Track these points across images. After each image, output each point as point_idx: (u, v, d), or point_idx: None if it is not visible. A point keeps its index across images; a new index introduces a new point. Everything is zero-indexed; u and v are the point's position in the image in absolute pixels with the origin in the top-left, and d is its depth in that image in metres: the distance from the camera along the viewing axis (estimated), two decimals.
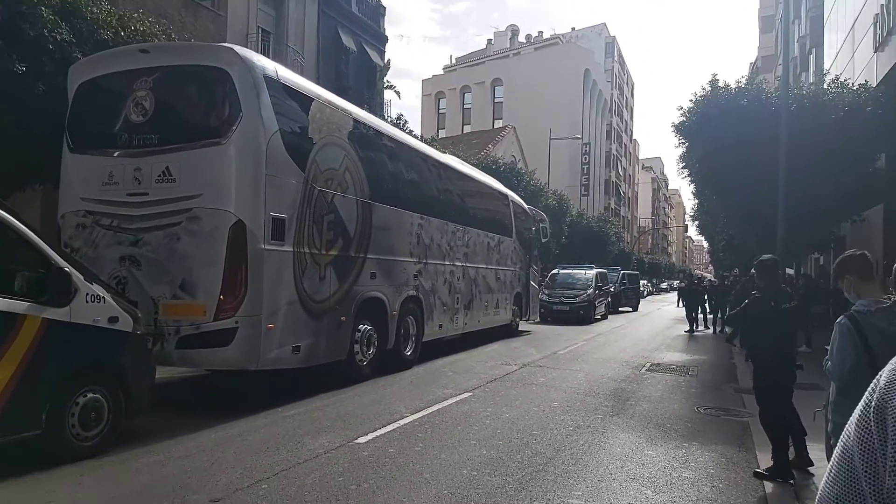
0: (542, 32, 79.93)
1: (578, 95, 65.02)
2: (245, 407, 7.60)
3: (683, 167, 18.82)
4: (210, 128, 7.69)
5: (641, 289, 43.26)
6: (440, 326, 12.92)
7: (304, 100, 8.62)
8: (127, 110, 7.78)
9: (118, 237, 7.60)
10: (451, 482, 5.17)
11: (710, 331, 22.04)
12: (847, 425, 0.83)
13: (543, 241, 21.90)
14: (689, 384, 10.72)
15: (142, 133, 7.68)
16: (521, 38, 79.81)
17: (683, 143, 17.38)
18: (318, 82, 11.01)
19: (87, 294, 5.53)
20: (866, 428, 0.78)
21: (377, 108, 25.73)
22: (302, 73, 11.25)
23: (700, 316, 22.82)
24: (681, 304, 27.65)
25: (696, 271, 59.76)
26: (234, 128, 7.44)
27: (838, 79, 16.48)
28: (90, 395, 5.57)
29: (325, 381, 9.02)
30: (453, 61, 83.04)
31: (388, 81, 28.69)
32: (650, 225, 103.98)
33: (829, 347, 3.67)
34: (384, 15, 30.03)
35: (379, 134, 10.86)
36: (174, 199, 7.39)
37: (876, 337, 3.40)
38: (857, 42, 17.89)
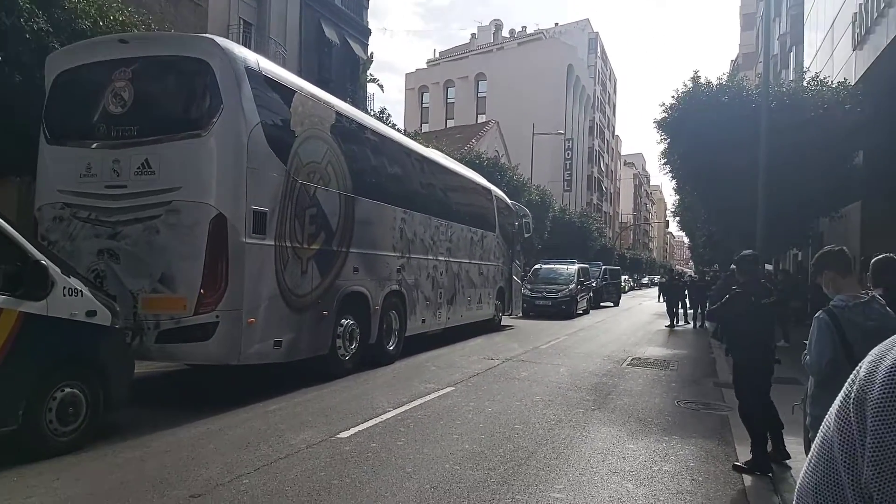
0: (525, 27, 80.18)
1: (561, 91, 65.21)
2: (226, 402, 7.54)
3: (665, 163, 18.97)
4: (190, 119, 7.60)
5: (623, 284, 43.61)
6: (423, 321, 12.92)
7: (286, 92, 8.55)
8: (105, 101, 7.66)
9: (96, 230, 7.49)
10: (434, 476, 5.17)
11: (690, 326, 22.27)
12: (827, 416, 0.84)
13: (526, 236, 21.96)
14: (669, 378, 10.82)
15: (120, 124, 7.57)
16: (505, 32, 79.90)
17: (665, 140, 17.50)
18: (300, 75, 10.92)
19: (65, 287, 5.45)
20: (846, 419, 0.79)
21: (360, 101, 25.60)
22: (284, 66, 11.15)
23: (680, 311, 23.04)
24: (661, 299, 27.91)
25: (677, 267, 60.22)
26: (214, 120, 7.36)
27: (818, 76, 16.67)
28: (67, 389, 5.49)
29: (307, 376, 8.98)
30: (437, 55, 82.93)
31: (371, 75, 28.53)
32: (632, 221, 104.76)
33: (807, 342, 3.71)
34: (367, 8, 29.88)
35: (362, 127, 10.80)
36: (153, 191, 7.30)
37: (853, 332, 3.44)
38: (836, 40, 18.10)
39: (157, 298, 7.21)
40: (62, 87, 8.00)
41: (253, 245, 7.56)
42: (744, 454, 5.91)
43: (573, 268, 26.10)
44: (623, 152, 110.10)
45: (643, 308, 33.17)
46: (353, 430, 6.52)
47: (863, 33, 14.37)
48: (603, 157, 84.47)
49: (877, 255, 4.48)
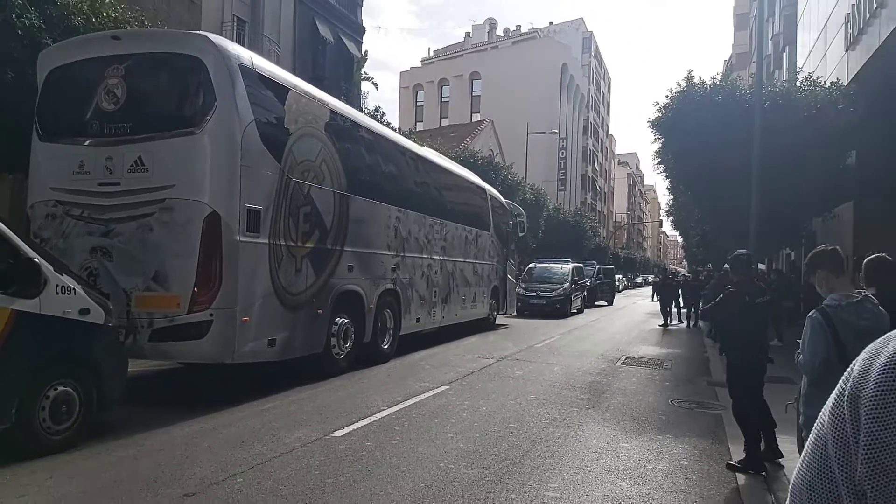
0: (519, 26, 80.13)
1: (556, 90, 65.24)
2: (220, 400, 7.52)
3: (659, 163, 19.01)
4: (183, 117, 7.58)
5: (617, 283, 43.71)
6: (417, 320, 12.91)
7: (281, 90, 8.52)
8: (98, 98, 7.63)
9: (89, 227, 7.46)
10: (429, 475, 5.17)
11: (684, 325, 22.33)
12: (821, 413, 0.84)
13: (521, 235, 21.98)
14: (663, 377, 10.85)
15: (113, 122, 7.53)
16: (499, 31, 79.85)
17: (659, 139, 17.53)
18: (294, 73, 10.89)
19: (58, 285, 5.43)
20: (840, 416, 0.79)
21: (354, 99, 25.58)
22: (278, 63, 11.12)
23: (674, 310, 23.10)
24: (655, 298, 27.98)
25: (671, 266, 60.46)
26: (208, 117, 7.34)
27: (811, 77, 16.73)
28: (61, 388, 5.47)
29: (302, 375, 8.96)
30: (431, 54, 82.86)
31: (365, 73, 28.52)
32: (626, 220, 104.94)
33: (800, 341, 3.73)
34: (362, 6, 29.86)
35: (356, 125, 10.78)
36: (147, 189, 7.27)
37: (846, 331, 3.46)
38: (829, 41, 18.16)
39: (151, 297, 7.18)
40: (55, 83, 7.95)
41: (247, 243, 7.53)
42: (737, 453, 5.93)
43: (567, 267, 26.14)
44: (617, 152, 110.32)
45: (637, 307, 33.24)
46: (347, 429, 6.51)
47: (855, 34, 14.43)
48: (597, 156, 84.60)
49: (869, 255, 4.50)
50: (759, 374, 5.86)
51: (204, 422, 6.61)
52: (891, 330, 0.83)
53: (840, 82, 15.76)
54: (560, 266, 26.38)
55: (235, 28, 21.64)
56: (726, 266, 13.05)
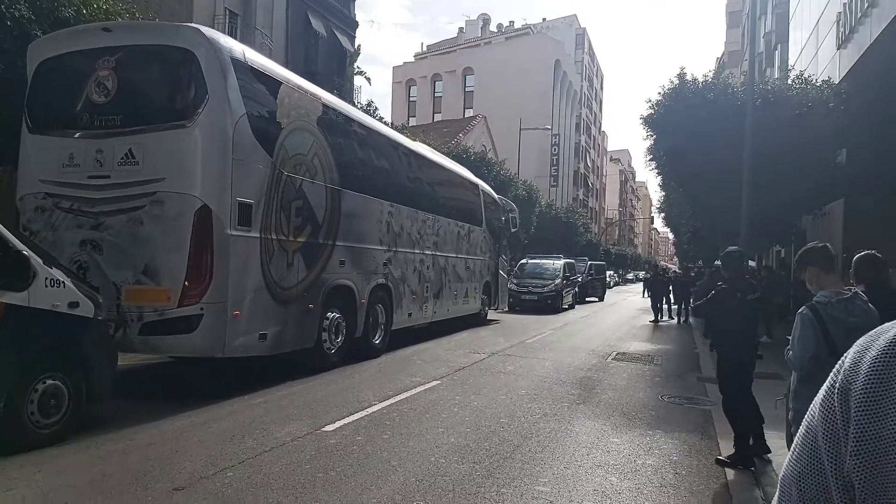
0: (513, 22, 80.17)
1: (549, 86, 65.26)
2: (210, 395, 7.50)
3: (651, 159, 19.04)
4: (175, 110, 7.53)
5: (608, 279, 43.79)
6: (409, 315, 12.91)
7: (273, 83, 8.48)
8: (89, 90, 7.57)
9: (79, 220, 7.41)
10: (419, 470, 5.17)
11: (675, 321, 22.44)
12: (811, 405, 0.84)
13: (513, 230, 21.99)
14: (653, 373, 10.90)
15: (104, 114, 7.48)
16: (493, 27, 79.84)
17: (651, 136, 17.56)
18: (286, 66, 10.83)
19: (47, 278, 5.39)
20: (830, 408, 0.80)
21: (347, 93, 25.48)
22: (270, 57, 11.06)
23: (665, 306, 23.20)
24: (646, 294, 28.09)
25: (662, 263, 60.75)
26: (199, 110, 7.29)
27: (802, 75, 16.79)
28: (50, 381, 5.43)
29: (293, 370, 8.95)
30: (424, 49, 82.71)
31: (358, 67, 28.46)
32: (617, 216, 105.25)
33: (790, 337, 3.75)
34: (355, 0, 29.71)
35: (349, 120, 10.75)
36: (137, 182, 7.23)
37: (836, 327, 3.48)
38: (820, 39, 18.25)
39: (141, 290, 7.14)
40: (45, 75, 7.89)
41: (238, 237, 7.50)
42: (726, 448, 5.97)
43: (559, 263, 26.19)
44: (609, 148, 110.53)
45: (628, 303, 33.36)
46: (338, 424, 6.50)
47: (847, 32, 14.50)
48: (589, 152, 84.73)
49: (859, 252, 4.53)
50: (749, 371, 5.90)
51: (194, 416, 6.59)
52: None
53: (831, 80, 15.84)
54: (552, 262, 26.43)
55: (227, 21, 21.50)
56: (717, 263, 13.11)
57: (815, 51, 19.04)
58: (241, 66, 7.79)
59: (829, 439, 0.79)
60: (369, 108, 24.41)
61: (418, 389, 8.46)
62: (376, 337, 11.34)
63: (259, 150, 7.93)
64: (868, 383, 0.76)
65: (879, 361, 0.76)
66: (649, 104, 16.88)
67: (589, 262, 35.95)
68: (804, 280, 3.93)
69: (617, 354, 12.93)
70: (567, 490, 4.87)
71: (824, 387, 0.83)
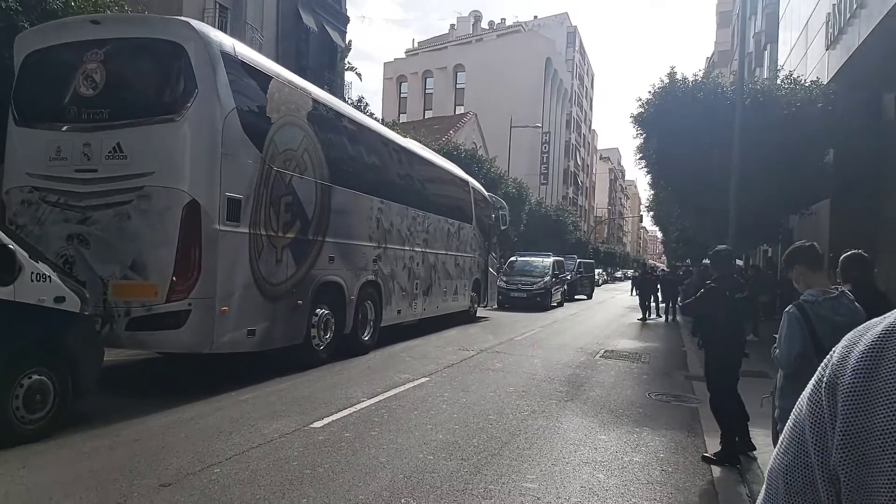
0: (504, 19, 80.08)
1: (539, 84, 65.33)
2: (197, 391, 7.46)
3: (640, 158, 19.07)
4: (164, 103, 7.47)
5: (596, 277, 43.98)
6: (399, 312, 12.90)
7: (263, 78, 8.44)
8: (76, 83, 7.50)
9: (65, 214, 7.35)
10: (407, 466, 5.18)
11: (662, 319, 22.55)
12: (799, 400, 0.85)
13: (503, 228, 22.04)
14: (641, 371, 10.95)
15: (92, 107, 7.42)
16: (484, 24, 79.77)
17: (641, 135, 17.59)
18: (277, 61, 10.77)
19: (32, 273, 5.34)
20: (818, 402, 0.80)
21: (338, 89, 25.39)
22: (260, 52, 10.99)
23: (652, 304, 23.31)
24: (634, 292, 28.22)
25: (650, 261, 61.06)
26: (188, 104, 7.25)
27: (791, 75, 16.88)
28: (35, 376, 5.39)
29: (281, 366, 8.92)
30: (415, 45, 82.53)
31: (349, 63, 28.36)
32: (606, 215, 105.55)
33: (777, 336, 3.77)
34: None
35: (339, 115, 10.71)
36: (125, 176, 7.17)
37: (822, 326, 3.50)
38: (810, 39, 18.35)
39: (128, 285, 7.10)
40: (32, 67, 7.81)
41: (227, 232, 7.46)
42: (713, 446, 6.01)
43: (548, 261, 26.26)
44: (599, 147, 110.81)
45: (616, 301, 33.49)
46: (326, 420, 6.49)
47: (836, 33, 14.58)
48: (579, 151, 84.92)
49: (846, 252, 4.57)
50: (736, 369, 5.94)
51: (181, 412, 6.56)
52: None
53: (820, 81, 15.93)
54: (541, 260, 26.49)
55: (217, 15, 21.35)
56: (705, 261, 13.16)
57: (804, 51, 19.15)
58: (231, 61, 7.74)
59: (816, 433, 0.79)
60: (360, 104, 24.34)
61: (407, 386, 8.46)
62: (365, 333, 11.32)
63: (248, 145, 7.89)
64: (855, 378, 0.76)
65: (867, 356, 0.77)
66: (639, 103, 16.91)
67: (578, 261, 36.07)
68: (791, 279, 3.96)
69: (605, 352, 12.98)
70: (555, 487, 4.89)
71: (812, 381, 0.84)
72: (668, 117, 15.77)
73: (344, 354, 10.33)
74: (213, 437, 5.71)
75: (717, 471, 5.55)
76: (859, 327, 0.82)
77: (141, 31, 7.84)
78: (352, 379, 8.83)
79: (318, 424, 6.32)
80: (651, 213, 37.44)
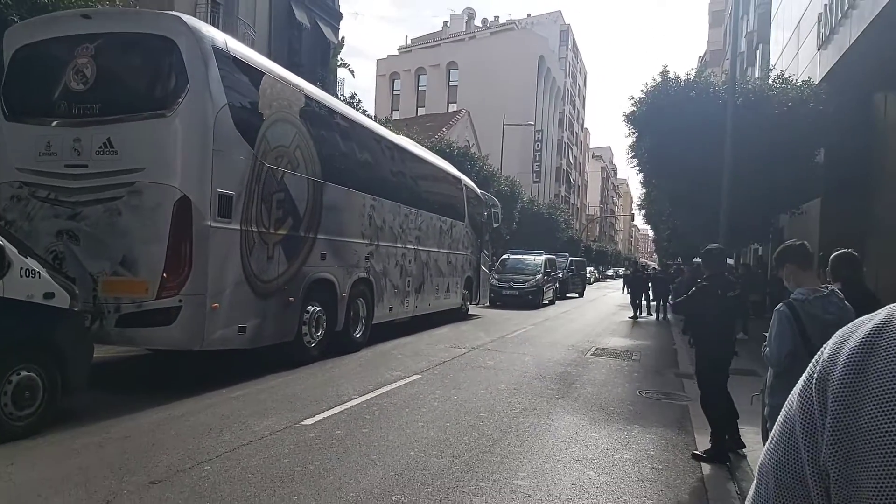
0: (497, 17, 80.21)
1: (532, 82, 65.36)
2: (188, 388, 7.43)
3: (633, 157, 19.12)
4: (155, 99, 7.43)
5: (588, 275, 44.11)
6: (390, 309, 12.89)
7: (255, 74, 8.40)
8: (67, 78, 7.45)
9: (55, 210, 7.30)
10: (399, 463, 5.17)
11: (653, 317, 22.64)
12: (790, 396, 0.86)
13: (495, 226, 22.04)
14: (632, 369, 10.99)
15: (82, 102, 7.37)
16: (477, 21, 79.71)
17: (633, 133, 17.63)
18: (269, 57, 10.72)
19: (22, 268, 5.30)
20: (808, 398, 0.81)
21: (330, 86, 25.32)
22: (252, 47, 10.94)
23: (644, 303, 23.40)
24: (625, 291, 28.31)
25: (641, 260, 61.32)
26: (180, 100, 7.21)
27: (783, 74, 16.96)
28: (24, 373, 5.35)
29: (272, 363, 8.90)
30: (408, 42, 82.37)
31: (341, 59, 28.28)
32: (598, 213, 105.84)
33: (767, 334, 3.79)
34: None
35: (332, 112, 10.68)
36: (115, 171, 7.14)
37: (812, 324, 3.52)
38: (801, 39, 18.43)
39: (118, 281, 7.06)
40: (22, 62, 7.75)
41: (218, 229, 7.43)
42: (703, 443, 6.04)
43: (540, 258, 26.31)
44: (591, 145, 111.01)
45: (608, 299, 33.60)
46: (317, 418, 6.48)
47: (827, 33, 14.66)
48: (572, 149, 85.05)
49: (836, 251, 4.59)
50: (726, 367, 5.97)
51: (172, 409, 6.53)
52: None
53: (811, 81, 16.01)
54: (533, 258, 26.53)
55: (209, 10, 21.21)
56: (697, 260, 13.19)
57: (795, 51, 19.24)
58: (223, 56, 7.70)
59: (806, 429, 0.80)
60: (353, 101, 24.30)
61: (399, 383, 8.46)
62: (357, 331, 11.31)
63: (240, 141, 7.85)
64: (845, 374, 0.77)
65: (856, 353, 0.77)
66: (632, 101, 16.95)
67: (570, 259, 36.19)
68: (781, 277, 3.98)
69: (596, 350, 13.02)
70: (545, 484, 4.90)
71: (803, 377, 0.84)
72: (660, 116, 15.81)
73: (335, 352, 10.32)
74: (204, 435, 5.69)
75: (706, 468, 5.58)
76: (849, 324, 0.83)
77: (132, 25, 7.79)
78: (343, 376, 8.82)
79: (309, 422, 6.31)
80: (643, 211, 37.55)
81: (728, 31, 37.54)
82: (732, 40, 16.30)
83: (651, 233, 61.01)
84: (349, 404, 7.14)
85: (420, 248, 14.38)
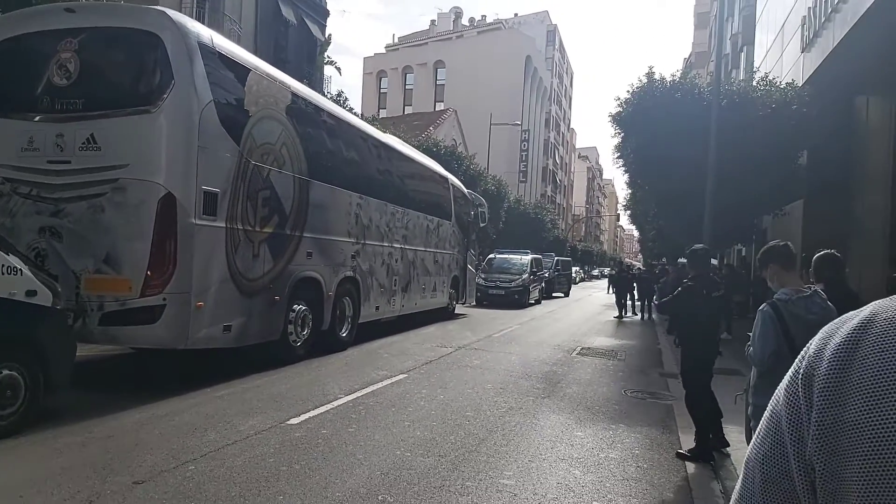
0: (485, 16, 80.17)
1: (519, 82, 65.49)
2: (172, 387, 7.37)
3: (618, 157, 19.23)
4: (139, 94, 7.37)
5: (573, 275, 44.25)
6: (377, 308, 12.86)
7: (241, 70, 8.35)
8: (50, 73, 7.37)
9: (38, 207, 7.21)
10: (385, 463, 5.17)
11: (639, 317, 22.77)
12: (776, 391, 0.87)
13: (482, 225, 22.07)
14: (617, 368, 11.04)
15: (65, 97, 7.28)
16: (465, 20, 79.71)
17: (619, 134, 17.73)
18: (255, 54, 10.66)
19: (3, 266, 5.23)
20: (794, 393, 0.82)
21: (317, 83, 25.21)
22: (239, 44, 10.86)
23: (629, 303, 23.53)
24: (611, 290, 28.45)
25: (627, 260, 61.66)
26: (164, 96, 7.14)
27: (767, 77, 17.12)
28: (5, 371, 5.28)
29: (258, 362, 8.85)
30: (396, 40, 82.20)
31: (328, 57, 28.19)
32: (584, 213, 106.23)
33: (751, 334, 3.82)
34: None
35: (318, 109, 10.63)
36: (99, 168, 7.06)
37: (795, 324, 3.56)
38: (785, 42, 18.61)
39: (102, 279, 6.98)
40: (4, 56, 7.65)
41: (203, 226, 7.38)
42: (687, 442, 6.09)
43: (526, 258, 26.37)
44: (577, 145, 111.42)
45: (593, 299, 33.74)
46: (303, 417, 6.45)
47: (811, 36, 14.81)
48: (558, 149, 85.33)
49: (819, 252, 4.64)
50: (711, 366, 6.02)
51: (155, 408, 6.47)
52: None
53: (795, 83, 16.17)
54: (519, 257, 26.60)
55: (195, 6, 21.03)
56: (682, 260, 13.27)
57: (780, 53, 19.42)
58: (209, 52, 7.64)
59: (791, 423, 0.80)
60: (339, 99, 24.22)
61: (385, 383, 8.45)
62: (343, 330, 11.27)
63: (226, 138, 7.80)
64: (830, 369, 0.78)
65: (842, 348, 0.78)
66: (618, 102, 17.04)
67: (556, 258, 36.25)
68: (765, 278, 4.02)
69: (582, 349, 13.07)
70: (531, 483, 4.91)
71: (789, 372, 0.85)
72: (646, 117, 15.92)
73: (321, 351, 10.28)
74: (188, 434, 5.65)
75: (691, 467, 5.62)
76: (835, 320, 0.84)
77: (116, 20, 7.70)
78: (329, 375, 8.79)
79: (294, 421, 6.28)
80: (628, 211, 37.79)
81: (713, 33, 37.80)
82: (717, 42, 16.37)
83: (636, 233, 61.37)
84: (335, 403, 7.12)
85: (407, 246, 14.36)
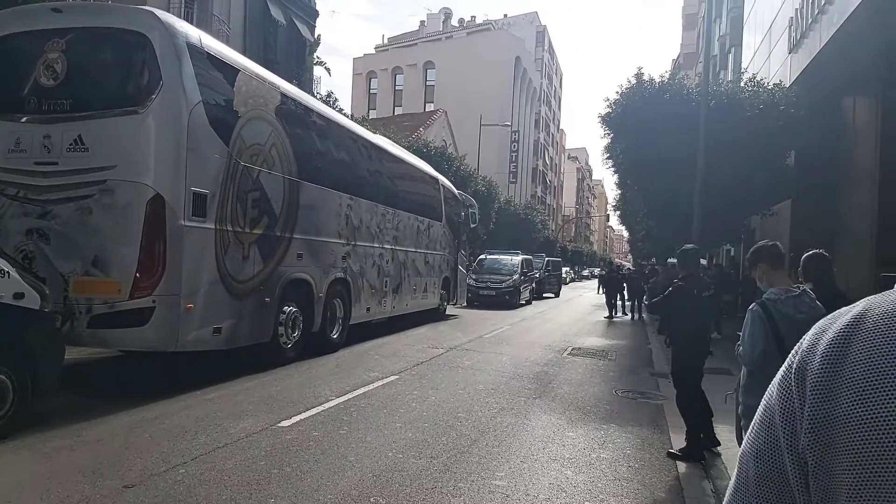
0: (474, 17, 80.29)
1: (509, 83, 65.57)
2: (162, 390, 7.32)
3: (608, 158, 19.28)
4: (127, 95, 7.32)
5: (564, 276, 44.38)
6: (368, 309, 12.84)
7: (230, 71, 8.31)
8: (37, 73, 7.31)
9: (25, 208, 7.15)
10: (376, 465, 5.15)
11: (629, 317, 22.85)
12: (770, 386, 0.88)
13: (472, 226, 22.08)
14: (607, 368, 11.07)
15: (52, 98, 7.23)
16: (454, 21, 79.75)
17: (609, 135, 17.79)
18: (244, 54, 10.61)
19: None
20: (787, 388, 0.83)
21: (306, 84, 25.12)
22: (227, 44, 10.81)
23: (619, 303, 23.60)
24: (601, 291, 28.52)
25: (616, 260, 61.90)
26: (153, 96, 7.10)
27: (755, 78, 17.23)
28: None
29: (248, 364, 8.81)
30: (385, 41, 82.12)
31: (318, 57, 28.09)
32: (574, 214, 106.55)
33: (740, 333, 3.84)
34: None
35: (308, 110, 10.60)
36: (86, 169, 7.01)
37: (784, 323, 3.58)
38: (773, 43, 18.75)
39: (90, 282, 6.93)
40: None
41: (192, 228, 7.34)
42: (678, 442, 6.11)
43: (517, 259, 26.42)
44: (567, 146, 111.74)
45: (583, 299, 33.84)
46: (294, 419, 6.43)
47: (798, 37, 14.92)
48: (548, 150, 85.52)
49: (807, 251, 4.67)
50: (701, 366, 6.04)
51: (145, 411, 6.43)
52: None
53: (782, 84, 16.29)
54: (510, 258, 26.63)
55: (183, 6, 20.91)
56: (671, 260, 13.34)
57: (767, 54, 19.55)
58: (198, 52, 7.60)
59: (785, 418, 0.81)
60: (329, 99, 24.15)
61: (376, 384, 8.43)
62: (334, 331, 11.24)
63: (215, 139, 7.76)
64: (823, 364, 0.78)
65: (834, 344, 0.79)
66: (607, 103, 17.09)
67: (546, 259, 36.35)
68: (754, 278, 4.04)
69: (572, 350, 13.10)
70: (523, 484, 4.92)
71: (783, 368, 0.86)
72: (635, 118, 15.98)
73: (312, 353, 10.25)
74: (178, 437, 5.61)
75: (682, 467, 5.64)
76: (829, 316, 0.85)
77: (104, 20, 7.64)
78: (320, 377, 8.76)
79: (285, 423, 6.26)
80: (618, 212, 37.89)
81: (701, 35, 38.00)
82: (705, 43, 16.49)
83: (626, 233, 61.61)
84: (326, 406, 7.09)
85: (397, 248, 14.34)
